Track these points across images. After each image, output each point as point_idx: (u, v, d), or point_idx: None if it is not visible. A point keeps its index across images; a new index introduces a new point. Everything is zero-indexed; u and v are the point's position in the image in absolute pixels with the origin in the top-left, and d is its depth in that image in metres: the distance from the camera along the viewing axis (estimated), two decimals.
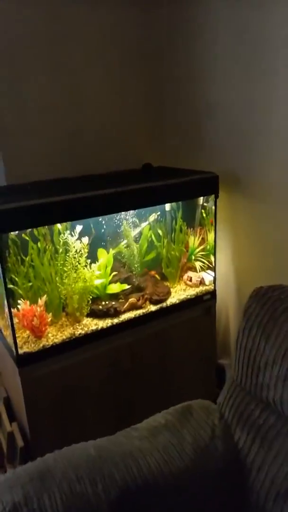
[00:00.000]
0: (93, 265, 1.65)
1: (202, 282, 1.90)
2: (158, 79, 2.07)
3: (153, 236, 1.86)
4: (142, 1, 1.92)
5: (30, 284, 1.57)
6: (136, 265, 1.84)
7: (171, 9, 1.94)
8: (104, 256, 1.73)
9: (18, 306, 1.50)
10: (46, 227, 1.55)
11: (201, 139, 1.97)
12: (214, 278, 1.90)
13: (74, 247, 1.55)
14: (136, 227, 1.85)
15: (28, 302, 1.51)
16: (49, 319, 1.55)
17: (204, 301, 1.89)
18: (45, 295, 1.53)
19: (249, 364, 1.24)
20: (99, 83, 1.90)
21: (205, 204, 1.96)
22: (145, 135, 2.10)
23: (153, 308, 1.75)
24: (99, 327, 1.62)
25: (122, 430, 1.25)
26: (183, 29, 1.92)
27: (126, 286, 1.73)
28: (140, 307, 1.73)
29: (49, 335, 1.56)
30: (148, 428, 1.25)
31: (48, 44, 1.73)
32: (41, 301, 1.51)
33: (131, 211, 1.78)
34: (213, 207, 1.87)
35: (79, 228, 1.54)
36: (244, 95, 1.71)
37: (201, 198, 1.94)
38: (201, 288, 1.89)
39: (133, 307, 1.71)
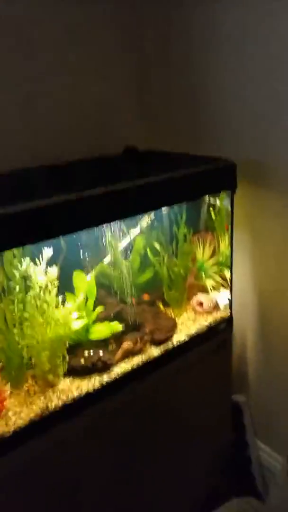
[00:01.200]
0: (67, 302, 1.13)
1: (216, 307, 1.42)
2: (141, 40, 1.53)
3: (147, 249, 1.36)
4: None
5: None
6: (127, 291, 1.33)
7: None
8: (83, 283, 1.21)
9: None
10: None
11: (202, 112, 1.46)
12: (230, 300, 1.43)
13: (37, 282, 1.02)
14: (123, 237, 1.34)
15: None
16: (8, 392, 1.02)
17: (219, 332, 1.42)
18: None
19: None
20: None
21: (212, 201, 1.47)
22: (123, 107, 1.56)
23: (155, 351, 1.26)
24: (83, 392, 1.11)
25: None
26: None
27: (119, 327, 1.21)
28: (138, 353, 1.23)
29: (9, 413, 1.04)
30: None
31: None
32: None
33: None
34: (225, 206, 1.39)
35: (47, 252, 1.01)
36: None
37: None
38: (215, 316, 1.41)
39: (128, 354, 1.21)
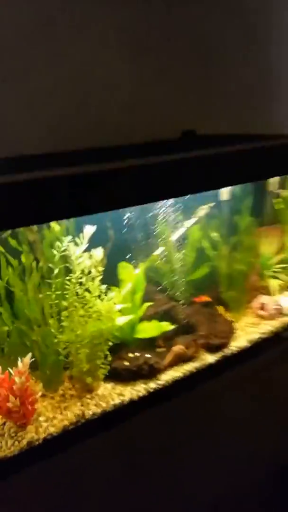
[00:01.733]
0: (110, 292, 0.98)
1: (281, 311, 1.22)
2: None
3: (203, 241, 1.19)
4: None
5: (6, 328, 0.91)
6: (179, 288, 1.17)
7: None
8: (130, 276, 1.06)
9: None
10: (36, 228, 0.90)
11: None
12: None
13: (79, 264, 0.89)
14: (177, 227, 1.18)
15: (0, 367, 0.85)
16: (39, 394, 0.88)
17: (284, 340, 1.22)
18: (30, 353, 0.86)
19: None
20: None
21: (275, 191, 1.29)
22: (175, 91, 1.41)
23: (210, 358, 1.08)
24: (126, 399, 0.95)
25: None
26: None
27: (169, 326, 1.05)
28: (191, 359, 1.06)
29: (40, 418, 0.90)
30: None
31: None
32: (24, 363, 0.85)
33: (170, 201, 1.12)
34: None
35: (89, 230, 0.87)
36: None
37: (272, 182, 1.27)
38: (280, 321, 1.21)
39: (180, 359, 1.04)
